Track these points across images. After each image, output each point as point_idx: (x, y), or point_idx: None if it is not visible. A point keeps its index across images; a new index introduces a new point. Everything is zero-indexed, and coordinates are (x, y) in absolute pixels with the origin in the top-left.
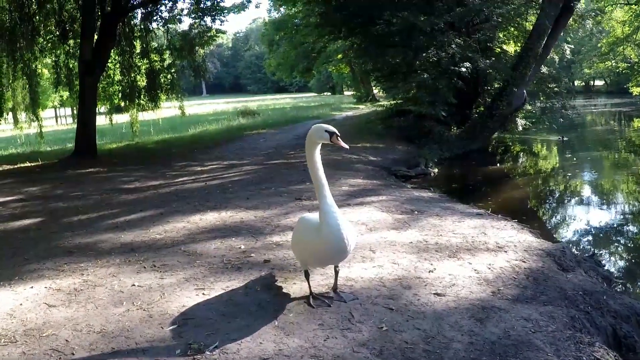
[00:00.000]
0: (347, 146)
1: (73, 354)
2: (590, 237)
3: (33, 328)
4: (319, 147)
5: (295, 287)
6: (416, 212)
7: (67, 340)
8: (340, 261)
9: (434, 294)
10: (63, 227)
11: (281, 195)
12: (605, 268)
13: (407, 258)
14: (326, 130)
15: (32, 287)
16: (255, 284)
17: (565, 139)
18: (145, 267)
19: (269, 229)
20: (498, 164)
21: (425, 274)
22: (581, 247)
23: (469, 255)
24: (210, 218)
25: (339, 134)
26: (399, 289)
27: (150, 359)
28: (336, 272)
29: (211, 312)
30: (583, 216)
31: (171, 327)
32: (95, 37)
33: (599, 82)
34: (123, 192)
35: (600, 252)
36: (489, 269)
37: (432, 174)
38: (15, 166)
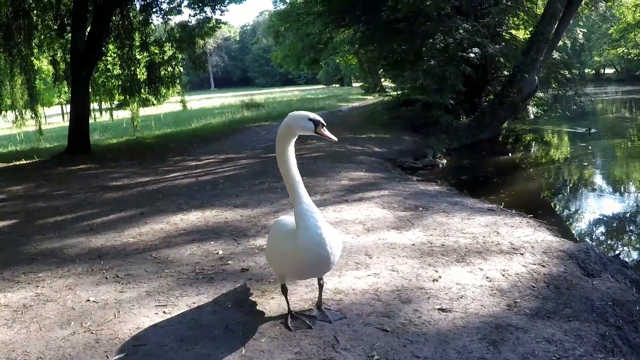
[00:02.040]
0: (335, 138)
1: None
2: (613, 235)
3: None
4: (294, 139)
5: (272, 303)
6: (421, 209)
7: None
8: (322, 274)
9: (438, 309)
10: (35, 229)
11: (274, 191)
12: (634, 270)
13: (408, 264)
14: (310, 119)
15: None
16: (227, 299)
17: (593, 130)
18: (107, 278)
19: (254, 230)
20: (510, 154)
21: (428, 283)
22: (604, 246)
23: (479, 259)
24: (193, 218)
25: (324, 123)
26: (396, 304)
27: None
28: (320, 286)
29: (168, 337)
30: (604, 211)
31: (117, 358)
32: (89, 28)
33: (609, 70)
34: (109, 189)
35: (626, 251)
36: (503, 275)
37: (440, 165)
38: (9, 164)
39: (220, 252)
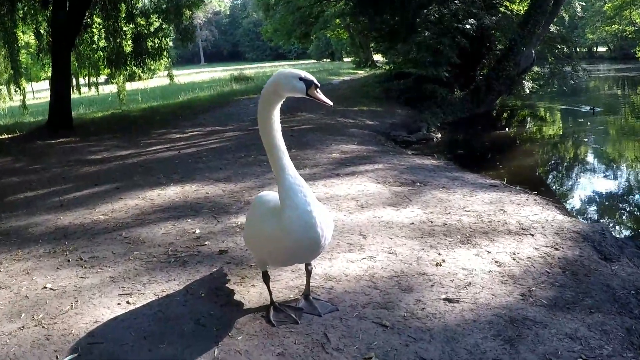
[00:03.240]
0: (330, 103)
1: None
2: (624, 215)
3: None
4: (280, 102)
5: (253, 292)
6: (418, 184)
7: None
8: (311, 259)
9: (444, 299)
10: (3, 206)
11: (260, 164)
12: None
13: (407, 245)
14: (301, 78)
15: None
16: (200, 287)
17: (597, 109)
18: (69, 261)
19: (236, 206)
20: (506, 129)
21: (431, 267)
22: (617, 227)
23: (486, 241)
24: (171, 193)
25: (318, 84)
26: (396, 293)
27: None
28: (308, 273)
29: (129, 333)
30: (611, 189)
31: (68, 359)
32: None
33: (601, 48)
34: (86, 164)
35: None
36: (514, 259)
37: (435, 139)
38: None
39: (198, 231)
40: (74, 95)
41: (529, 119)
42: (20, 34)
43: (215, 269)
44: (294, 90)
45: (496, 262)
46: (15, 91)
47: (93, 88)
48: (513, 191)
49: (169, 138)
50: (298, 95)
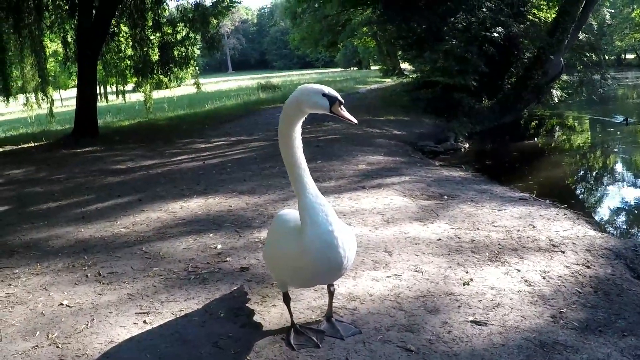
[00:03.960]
0: (355, 120)
1: None
2: None
3: None
4: (303, 119)
5: (274, 312)
6: (446, 197)
7: None
8: (333, 280)
9: (472, 321)
10: (25, 217)
11: (284, 176)
12: None
13: (434, 263)
14: (325, 94)
15: None
16: (220, 306)
17: (631, 120)
18: (87, 277)
19: (259, 220)
20: (535, 139)
21: (458, 287)
22: None
23: (515, 258)
24: (194, 205)
25: (342, 101)
26: (421, 314)
27: None
28: (330, 294)
29: (145, 355)
30: None
31: None
32: (95, 6)
33: (630, 56)
34: (110, 173)
35: None
36: (544, 278)
37: (463, 150)
38: (17, 146)
39: (219, 246)
40: (102, 103)
41: (557, 128)
42: (48, 42)
43: (235, 287)
44: (317, 107)
45: (526, 281)
46: (43, 99)
47: (120, 96)
48: (543, 205)
49: (194, 148)
50: (321, 112)
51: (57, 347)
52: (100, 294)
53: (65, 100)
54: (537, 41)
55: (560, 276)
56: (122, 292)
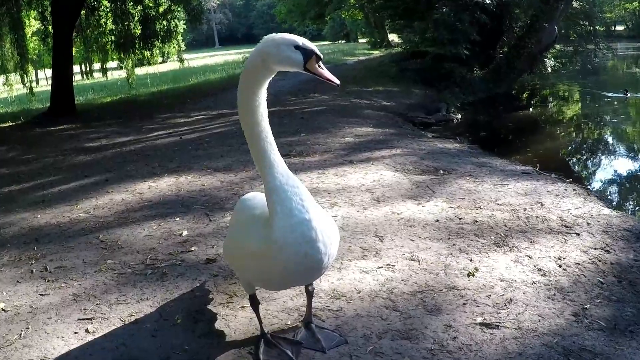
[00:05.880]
0: (336, 81)
1: None
2: None
3: None
4: (269, 79)
5: (241, 316)
6: (442, 172)
7: None
8: (310, 281)
9: (481, 324)
10: None
11: None
12: None
13: (432, 249)
14: (297, 47)
15: None
16: (177, 309)
17: (629, 95)
18: (32, 272)
19: (234, 200)
20: (530, 110)
21: (462, 279)
22: None
23: (525, 242)
24: (163, 185)
25: (321, 56)
26: (420, 315)
27: None
28: (309, 294)
29: None
30: None
31: None
32: None
33: (620, 27)
34: (82, 152)
35: None
36: (560, 266)
37: (455, 121)
38: None
39: (185, 232)
40: (86, 81)
41: (551, 98)
42: (29, 19)
43: (198, 284)
44: (288, 62)
45: (539, 270)
46: (23, 78)
47: (103, 73)
48: (548, 180)
49: (173, 123)
50: (294, 69)
51: None
52: (42, 295)
53: (50, 79)
54: (530, 8)
55: (578, 263)
56: (67, 292)
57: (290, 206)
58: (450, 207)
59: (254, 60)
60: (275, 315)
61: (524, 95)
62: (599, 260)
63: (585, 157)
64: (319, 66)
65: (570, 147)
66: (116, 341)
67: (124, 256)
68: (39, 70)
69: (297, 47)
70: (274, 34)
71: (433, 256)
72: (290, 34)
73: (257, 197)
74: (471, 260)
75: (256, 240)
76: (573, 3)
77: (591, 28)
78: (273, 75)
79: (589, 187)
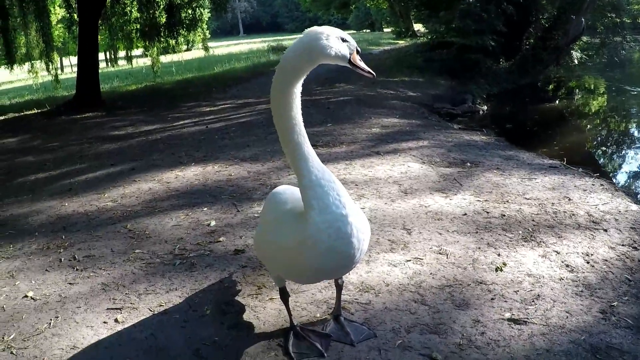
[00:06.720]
0: (372, 73)
1: None
2: None
3: None
4: (308, 72)
5: (270, 307)
6: (469, 164)
7: None
8: (340, 275)
9: (509, 319)
10: (10, 190)
11: None
12: None
13: (460, 243)
14: (344, 39)
15: None
16: (206, 301)
17: None
18: (60, 261)
19: (261, 192)
20: (556, 102)
21: (490, 274)
22: None
23: (553, 237)
24: (190, 175)
25: (359, 49)
26: (448, 309)
27: None
28: (338, 288)
29: None
30: None
31: None
32: None
33: None
34: (107, 140)
35: None
36: (588, 263)
37: (481, 112)
38: (20, 114)
39: (213, 222)
40: (111, 68)
41: (577, 91)
42: (55, 7)
43: (227, 275)
44: (337, 55)
45: (567, 266)
46: (48, 65)
47: (128, 61)
48: (576, 174)
49: (198, 112)
50: (339, 62)
51: (12, 352)
52: (71, 284)
53: (75, 66)
54: (557, 0)
55: (606, 260)
56: (95, 281)
57: (328, 202)
58: (478, 200)
59: (300, 52)
60: (304, 308)
61: (550, 87)
62: (627, 257)
63: (612, 151)
64: (358, 59)
65: (596, 141)
66: (145, 331)
67: (152, 246)
68: (63, 58)
69: (344, 39)
70: (317, 28)
71: (461, 250)
72: (335, 29)
73: (288, 191)
74: (499, 254)
75: (290, 235)
76: None
77: (618, 20)
78: (312, 69)
79: (616, 182)
